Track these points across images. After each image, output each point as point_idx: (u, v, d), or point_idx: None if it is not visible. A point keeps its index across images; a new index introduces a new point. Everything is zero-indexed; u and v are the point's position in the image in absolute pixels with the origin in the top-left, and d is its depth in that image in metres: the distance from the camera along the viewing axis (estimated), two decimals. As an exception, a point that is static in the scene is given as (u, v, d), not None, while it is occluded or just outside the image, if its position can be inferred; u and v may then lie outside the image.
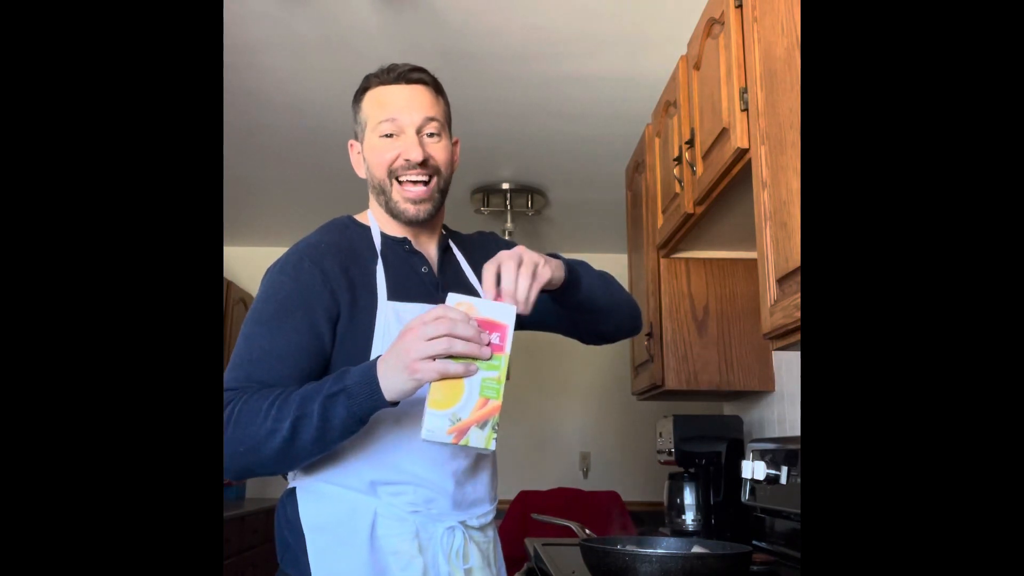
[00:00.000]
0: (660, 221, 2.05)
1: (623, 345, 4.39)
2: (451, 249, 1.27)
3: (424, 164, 1.13)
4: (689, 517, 2.10)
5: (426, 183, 1.14)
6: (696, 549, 1.37)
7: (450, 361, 0.93)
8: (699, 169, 1.66)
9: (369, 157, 1.16)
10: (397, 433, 1.07)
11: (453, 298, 0.97)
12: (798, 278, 1.13)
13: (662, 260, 2.17)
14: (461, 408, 0.93)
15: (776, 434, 2.10)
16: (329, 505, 1.07)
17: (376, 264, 1.14)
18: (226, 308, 3.98)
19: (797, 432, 1.91)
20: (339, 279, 1.09)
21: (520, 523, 3.39)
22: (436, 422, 0.92)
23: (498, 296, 1.00)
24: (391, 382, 0.94)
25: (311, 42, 2.30)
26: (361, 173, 1.21)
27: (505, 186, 3.47)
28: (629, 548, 1.36)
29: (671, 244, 2.02)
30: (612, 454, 4.32)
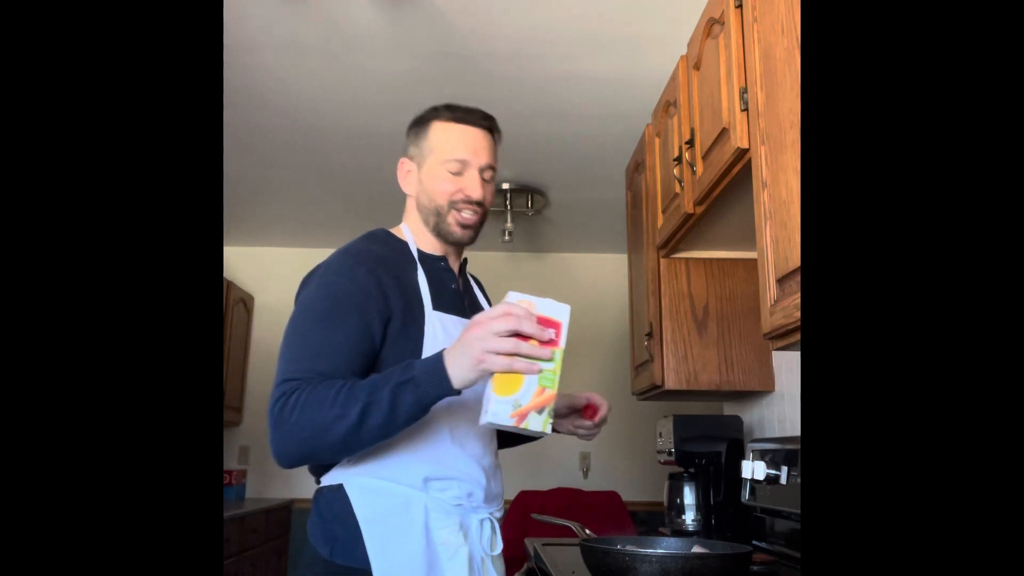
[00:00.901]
0: (660, 221, 2.05)
1: (623, 345, 4.39)
2: (466, 273, 1.42)
3: (480, 203, 1.29)
4: (689, 517, 2.10)
5: (476, 214, 1.30)
6: (696, 549, 1.37)
7: (516, 356, 1.01)
8: (699, 169, 1.66)
9: (430, 184, 1.28)
10: (443, 432, 1.18)
11: (514, 295, 1.05)
12: (798, 278, 1.13)
13: (662, 260, 2.17)
14: (522, 395, 1.01)
15: (776, 434, 2.10)
16: (384, 500, 1.15)
17: (418, 276, 1.26)
18: (226, 308, 3.98)
19: (797, 432, 1.91)
20: (392, 287, 1.19)
21: (520, 523, 3.39)
22: (499, 407, 1.00)
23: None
24: (458, 371, 1.02)
25: (311, 42, 2.30)
26: (409, 191, 1.33)
27: (505, 186, 3.47)
28: (629, 548, 1.36)
29: (671, 244, 2.02)
30: (612, 454, 4.32)
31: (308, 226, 4.15)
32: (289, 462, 1.08)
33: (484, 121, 1.31)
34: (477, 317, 1.03)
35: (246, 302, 4.34)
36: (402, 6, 2.12)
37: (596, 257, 4.62)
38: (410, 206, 1.33)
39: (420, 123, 1.32)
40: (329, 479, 1.19)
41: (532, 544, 2.10)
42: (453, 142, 1.27)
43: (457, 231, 1.28)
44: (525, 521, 3.38)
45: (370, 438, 1.06)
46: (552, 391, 1.03)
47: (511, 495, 3.68)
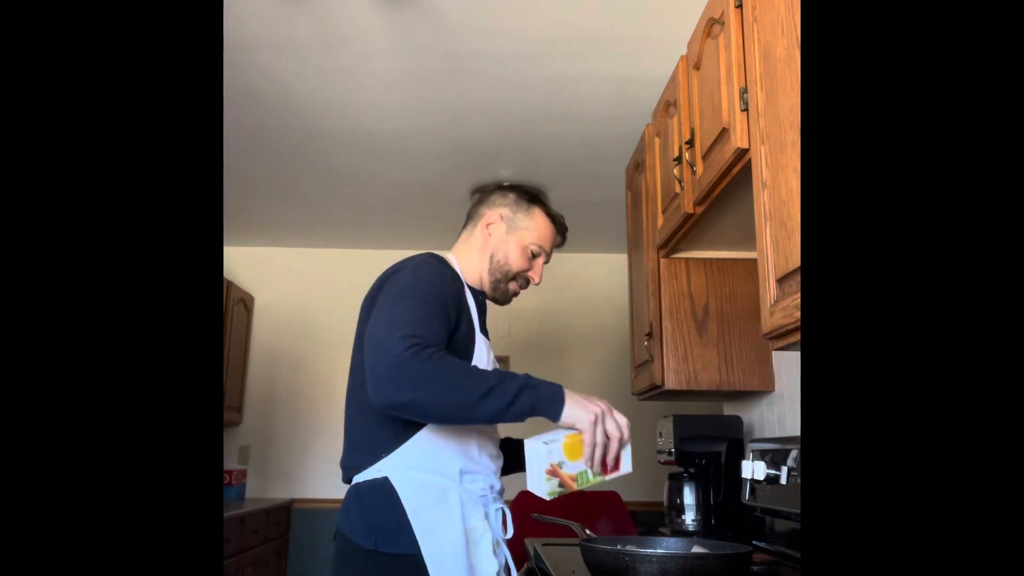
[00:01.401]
0: (660, 221, 2.05)
1: (623, 345, 4.39)
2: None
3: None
4: (689, 517, 2.10)
5: (523, 290, 1.59)
6: (696, 549, 1.37)
7: (596, 447, 1.27)
8: (699, 169, 1.66)
9: (513, 252, 1.55)
10: (471, 436, 1.38)
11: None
12: (798, 278, 1.13)
13: (662, 260, 2.17)
14: (568, 467, 1.27)
15: (776, 434, 2.10)
16: (428, 491, 1.32)
17: (469, 301, 1.46)
18: (226, 308, 3.98)
19: (797, 432, 1.91)
20: (460, 301, 1.40)
21: (520, 523, 3.39)
22: (553, 454, 1.26)
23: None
24: (572, 411, 1.25)
25: (311, 42, 2.30)
26: (486, 240, 1.56)
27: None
28: (629, 548, 1.36)
29: (671, 244, 2.02)
30: (612, 454, 4.31)
31: (308, 226, 4.15)
32: (396, 401, 1.18)
33: (564, 231, 1.63)
34: (606, 402, 1.29)
35: (246, 302, 4.34)
36: (402, 6, 2.12)
37: (596, 257, 4.62)
38: (474, 247, 1.56)
39: (527, 200, 1.60)
40: (369, 474, 1.33)
41: (532, 544, 2.10)
42: (544, 233, 1.58)
43: (508, 295, 1.57)
44: (525, 521, 3.38)
45: (479, 416, 1.21)
46: (576, 487, 1.29)
47: (511, 495, 3.68)
